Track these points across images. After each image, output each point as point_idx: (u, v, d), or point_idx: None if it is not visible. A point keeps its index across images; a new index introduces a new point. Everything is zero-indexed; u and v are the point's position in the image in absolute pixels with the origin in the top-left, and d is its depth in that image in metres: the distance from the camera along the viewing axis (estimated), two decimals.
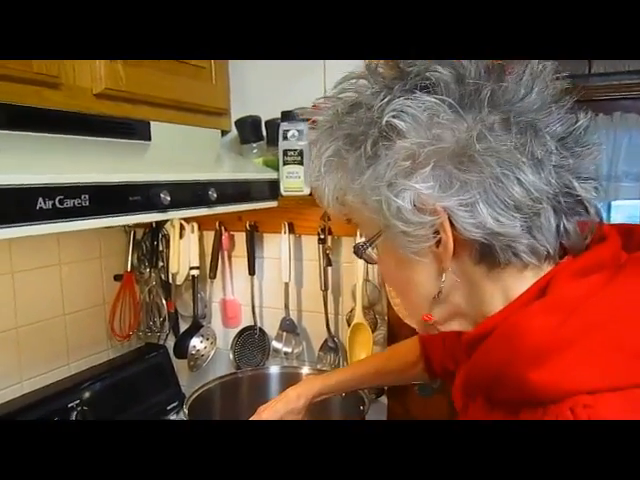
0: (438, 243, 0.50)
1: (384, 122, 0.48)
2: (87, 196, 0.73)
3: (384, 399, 1.31)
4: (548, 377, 0.45)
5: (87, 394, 1.30)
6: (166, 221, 1.47)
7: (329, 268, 1.30)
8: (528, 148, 0.47)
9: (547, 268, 0.52)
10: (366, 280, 1.25)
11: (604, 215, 0.56)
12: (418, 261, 0.52)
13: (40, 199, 0.67)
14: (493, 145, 0.47)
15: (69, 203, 0.71)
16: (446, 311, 0.56)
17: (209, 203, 0.97)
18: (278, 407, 0.95)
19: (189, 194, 0.92)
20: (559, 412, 0.44)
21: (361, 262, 1.22)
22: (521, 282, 0.52)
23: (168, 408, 1.47)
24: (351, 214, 0.57)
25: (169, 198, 0.85)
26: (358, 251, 0.57)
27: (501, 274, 0.52)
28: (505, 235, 0.48)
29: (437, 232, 0.49)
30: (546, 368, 0.45)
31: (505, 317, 0.51)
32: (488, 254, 0.50)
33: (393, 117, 0.48)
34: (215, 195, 0.97)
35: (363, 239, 0.57)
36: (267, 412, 0.95)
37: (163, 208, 0.84)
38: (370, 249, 0.57)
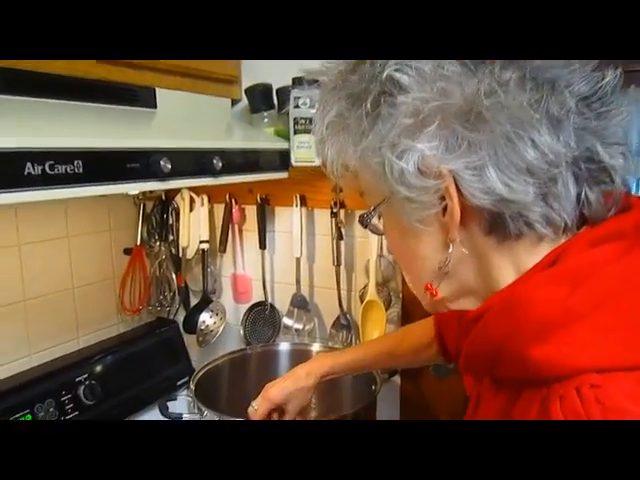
0: (444, 211, 0.47)
1: (385, 76, 0.44)
2: (80, 162, 0.69)
3: (397, 379, 1.27)
4: (553, 353, 0.42)
5: (96, 368, 1.29)
6: (176, 194, 1.43)
7: (342, 243, 1.25)
8: (543, 105, 0.42)
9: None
10: (380, 256, 1.20)
11: (632, 191, 0.50)
12: (423, 231, 0.49)
13: (28, 164, 0.63)
14: (503, 101, 0.42)
15: (60, 169, 0.67)
16: (454, 287, 0.52)
17: (214, 173, 0.92)
18: (286, 385, 0.92)
19: (192, 162, 0.88)
20: (564, 392, 0.41)
21: (375, 237, 1.17)
22: (535, 256, 0.47)
23: (178, 383, 1.45)
24: (355, 181, 0.53)
25: (170, 166, 0.80)
26: (363, 221, 0.54)
27: (513, 247, 0.47)
28: (516, 202, 0.44)
29: (443, 198, 0.46)
30: (551, 343, 0.42)
31: (510, 290, 0.46)
32: (498, 224, 0.46)
33: (395, 70, 0.44)
34: (220, 164, 0.92)
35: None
36: (275, 389, 0.92)
37: (163, 176, 0.80)
38: (375, 219, 0.53)
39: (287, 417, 0.94)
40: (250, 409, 0.95)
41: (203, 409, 0.99)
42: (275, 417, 0.97)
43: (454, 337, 0.84)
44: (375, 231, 0.56)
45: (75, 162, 0.68)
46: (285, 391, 0.91)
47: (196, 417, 1.01)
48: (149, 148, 0.79)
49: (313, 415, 1.24)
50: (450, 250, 0.49)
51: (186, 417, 1.01)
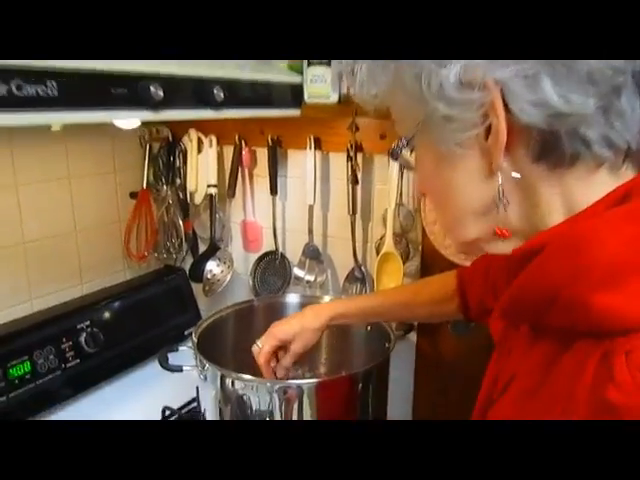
0: (487, 133, 0.41)
1: None
2: (54, 83, 0.60)
3: (413, 336, 1.19)
4: (622, 302, 0.37)
5: (99, 315, 1.24)
6: (183, 134, 1.34)
7: (358, 189, 1.15)
8: None
9: (627, 174, 0.41)
10: (399, 204, 1.10)
11: None
12: (462, 157, 0.44)
13: None
14: None
15: (29, 90, 0.58)
16: (493, 225, 0.46)
17: (214, 104, 0.83)
18: (293, 322, 0.88)
19: (188, 91, 0.78)
20: (631, 347, 0.36)
21: (394, 184, 1.07)
22: (590, 189, 0.40)
23: (185, 333, 1.40)
24: (385, 103, 0.47)
25: (161, 94, 0.71)
26: (394, 153, 0.50)
27: (565, 176, 0.40)
28: (574, 115, 0.37)
29: (486, 116, 0.40)
30: (621, 290, 0.37)
31: (570, 227, 0.40)
32: (550, 146, 0.39)
33: None
34: (222, 95, 0.82)
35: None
36: (280, 326, 0.88)
37: (154, 105, 0.71)
38: (406, 149, 0.48)
39: (289, 358, 0.90)
40: (254, 347, 0.90)
41: (204, 362, 0.93)
42: (280, 356, 0.93)
43: (478, 293, 0.77)
44: (406, 165, 0.51)
45: (48, 83, 0.60)
46: (291, 329, 0.87)
47: (197, 370, 0.95)
48: (137, 72, 0.70)
49: (322, 371, 1.18)
50: (497, 180, 0.43)
51: (187, 369, 0.95)
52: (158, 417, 1.17)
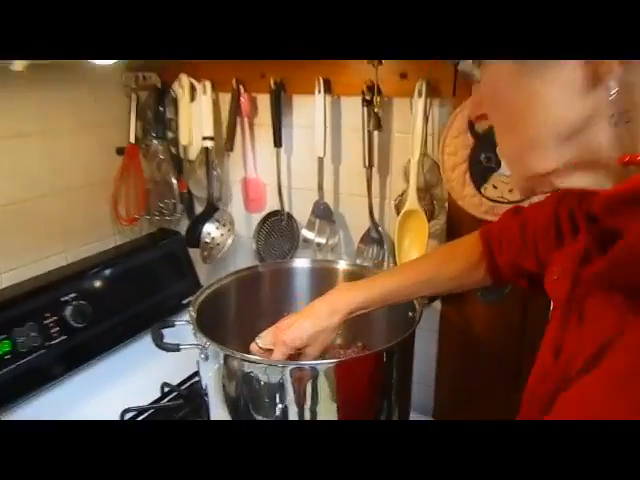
0: None
1: None
2: None
3: (437, 304, 1.07)
4: None
5: (87, 286, 1.12)
6: (174, 80, 1.19)
7: (375, 138, 1.01)
8: None
9: None
10: (424, 154, 0.96)
11: None
12: (555, 66, 0.37)
13: None
14: None
15: None
16: (576, 153, 0.40)
17: None
18: (305, 326, 0.75)
19: None
20: None
21: (419, 130, 0.93)
22: None
23: (183, 302, 1.28)
24: None
25: None
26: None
27: None
28: None
29: None
30: None
31: None
32: None
33: None
34: None
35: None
36: (292, 332, 0.75)
37: None
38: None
39: (306, 359, 0.78)
40: (254, 346, 0.78)
41: (205, 340, 0.81)
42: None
43: (511, 255, 0.69)
44: (467, 76, 0.43)
45: None
46: (304, 333, 0.75)
47: (196, 349, 0.83)
48: None
49: (337, 342, 1.06)
50: (599, 92, 0.36)
51: (184, 348, 0.83)
52: (157, 394, 1.09)
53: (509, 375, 1.05)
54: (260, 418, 0.79)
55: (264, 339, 0.78)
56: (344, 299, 0.75)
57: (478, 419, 1.13)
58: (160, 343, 0.84)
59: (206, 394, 0.87)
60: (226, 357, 0.79)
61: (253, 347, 0.78)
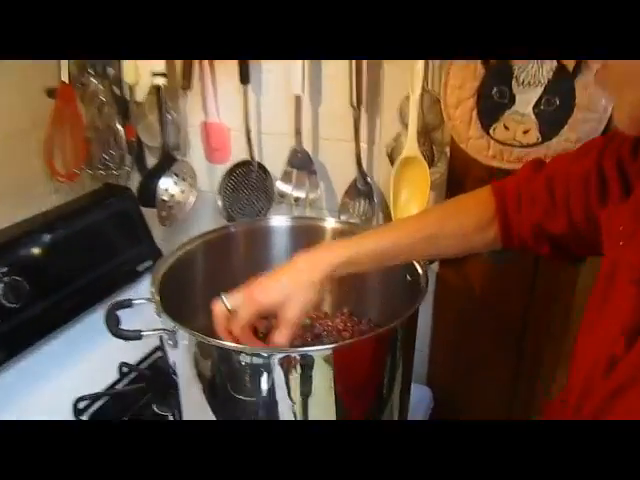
0: None
1: None
2: None
3: (436, 266, 0.95)
4: None
5: (21, 257, 0.93)
6: None
7: (364, 72, 0.85)
8: None
9: None
10: (425, 91, 0.80)
11: None
12: None
13: None
14: None
15: None
16: None
17: None
18: (282, 282, 0.63)
19: None
20: None
21: (421, 62, 0.78)
22: None
23: (139, 269, 1.11)
24: None
25: None
26: None
27: None
28: None
29: None
30: None
31: None
32: None
33: None
34: None
35: None
36: (267, 288, 0.63)
37: None
38: None
39: (284, 329, 0.63)
40: (218, 307, 0.64)
41: (172, 324, 0.66)
42: (262, 328, 0.69)
43: (535, 212, 0.60)
44: None
45: None
46: (280, 291, 0.63)
47: (164, 334, 0.68)
48: None
49: (326, 309, 0.93)
50: None
51: (147, 335, 0.68)
52: (115, 377, 0.97)
53: (511, 342, 0.96)
54: (242, 398, 0.66)
55: (233, 298, 0.64)
56: (328, 255, 0.64)
57: (476, 388, 0.99)
58: (116, 330, 0.68)
59: (174, 372, 0.73)
60: (200, 344, 0.65)
61: (217, 308, 0.64)
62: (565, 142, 0.74)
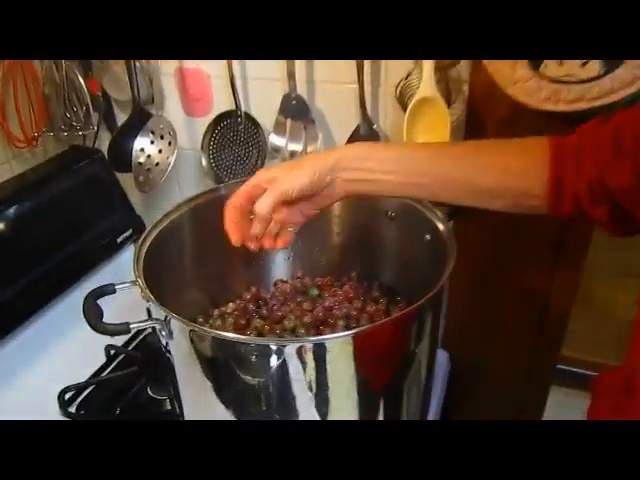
0: None
1: None
2: None
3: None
4: None
5: None
6: None
7: None
8: None
9: None
10: None
11: None
12: None
13: None
14: None
15: None
16: None
17: None
18: (306, 168, 0.55)
19: None
20: None
21: None
22: None
23: (119, 240, 1.00)
24: None
25: None
26: None
27: None
28: None
29: None
30: None
31: None
32: None
33: None
34: None
35: None
36: (288, 176, 0.55)
37: None
38: None
39: (268, 194, 0.56)
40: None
41: (163, 312, 0.56)
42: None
43: (598, 164, 0.49)
44: None
45: None
46: (306, 180, 0.55)
47: (157, 325, 0.58)
48: None
49: (324, 266, 0.84)
50: None
51: (136, 327, 0.57)
52: (102, 360, 0.90)
53: (534, 311, 0.89)
54: (249, 380, 0.57)
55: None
56: (348, 152, 0.56)
57: (493, 354, 0.98)
58: (99, 325, 0.57)
59: (168, 351, 0.63)
60: (197, 334, 0.56)
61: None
62: (635, 69, 0.62)
